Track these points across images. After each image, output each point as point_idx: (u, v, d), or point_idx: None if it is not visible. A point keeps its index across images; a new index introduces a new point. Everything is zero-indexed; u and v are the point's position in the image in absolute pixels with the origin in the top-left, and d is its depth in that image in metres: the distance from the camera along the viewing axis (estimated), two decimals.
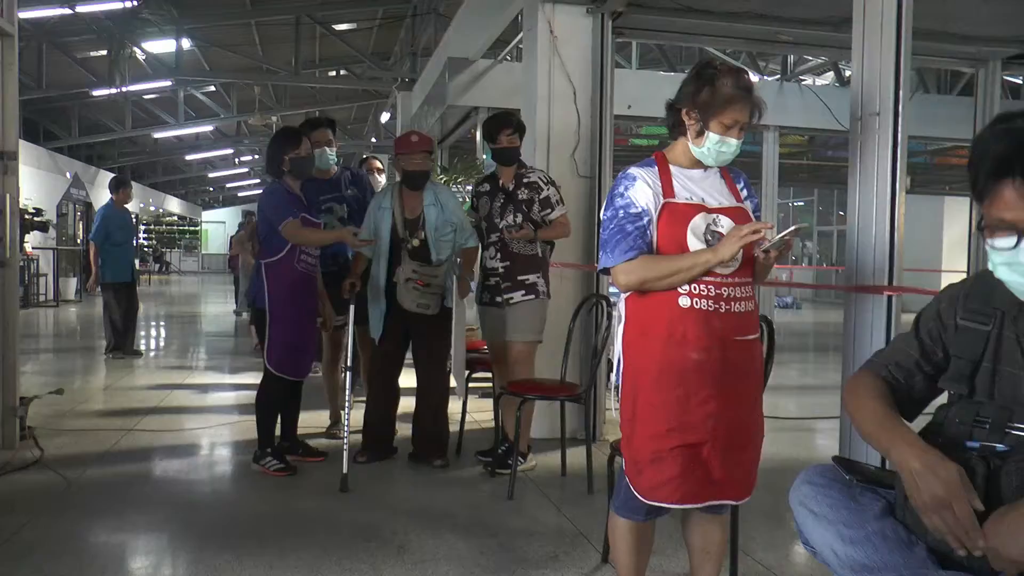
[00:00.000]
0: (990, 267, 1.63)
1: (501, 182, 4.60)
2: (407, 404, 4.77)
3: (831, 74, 13.32)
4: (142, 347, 9.53)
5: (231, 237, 17.54)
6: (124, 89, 14.46)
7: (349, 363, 4.41)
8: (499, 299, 4.53)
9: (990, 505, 1.54)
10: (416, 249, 4.51)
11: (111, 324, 8.67)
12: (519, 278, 4.51)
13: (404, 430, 4.80)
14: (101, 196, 21.16)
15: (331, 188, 5.02)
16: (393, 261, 4.52)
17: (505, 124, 4.57)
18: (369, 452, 4.67)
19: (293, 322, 4.39)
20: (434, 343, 4.63)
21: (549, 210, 4.55)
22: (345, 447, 4.19)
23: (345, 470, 4.14)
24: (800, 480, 1.84)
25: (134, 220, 8.53)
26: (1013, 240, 1.54)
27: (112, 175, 22.72)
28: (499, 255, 4.54)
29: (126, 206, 9.05)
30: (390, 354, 4.68)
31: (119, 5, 10.97)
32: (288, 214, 4.31)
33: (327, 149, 4.92)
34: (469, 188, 8.42)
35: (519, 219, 4.50)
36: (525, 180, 4.55)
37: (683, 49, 12.85)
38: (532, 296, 4.52)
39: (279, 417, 4.60)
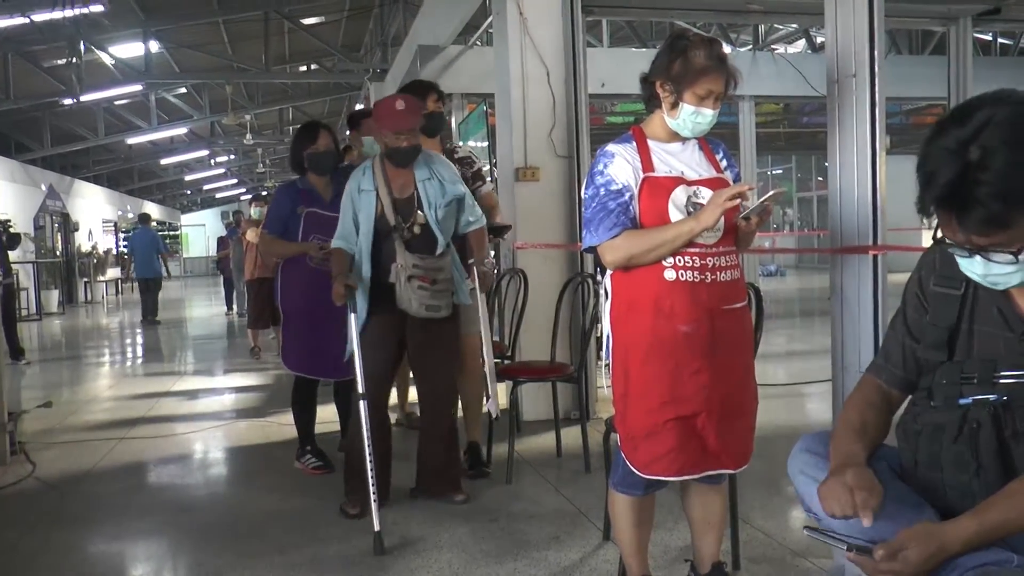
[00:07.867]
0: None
1: None
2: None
3: (803, 42, 13.35)
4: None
5: (219, 239, 17.19)
6: (86, 98, 14.16)
7: (362, 387, 3.45)
8: None
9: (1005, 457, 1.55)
10: (414, 237, 3.63)
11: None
12: (469, 261, 4.00)
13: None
14: (78, 206, 20.96)
15: None
16: (383, 256, 3.64)
17: (431, 88, 4.26)
18: (363, 501, 3.54)
19: (306, 321, 4.28)
20: (442, 354, 3.76)
21: (481, 183, 4.38)
22: (373, 497, 3.30)
23: (377, 527, 3.25)
24: (798, 448, 1.84)
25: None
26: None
27: (88, 183, 22.57)
28: None
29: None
30: (381, 384, 3.74)
31: (79, 11, 10.76)
32: (276, 223, 4.33)
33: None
34: None
35: None
36: (456, 155, 4.35)
37: (654, 25, 12.83)
38: (474, 285, 4.17)
39: (337, 417, 4.55)
